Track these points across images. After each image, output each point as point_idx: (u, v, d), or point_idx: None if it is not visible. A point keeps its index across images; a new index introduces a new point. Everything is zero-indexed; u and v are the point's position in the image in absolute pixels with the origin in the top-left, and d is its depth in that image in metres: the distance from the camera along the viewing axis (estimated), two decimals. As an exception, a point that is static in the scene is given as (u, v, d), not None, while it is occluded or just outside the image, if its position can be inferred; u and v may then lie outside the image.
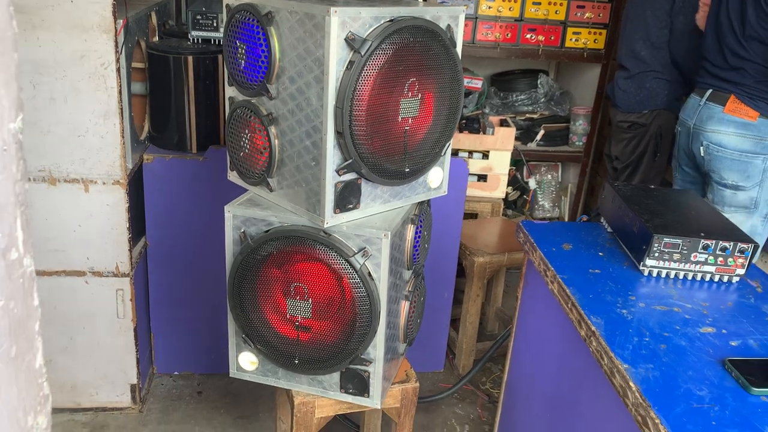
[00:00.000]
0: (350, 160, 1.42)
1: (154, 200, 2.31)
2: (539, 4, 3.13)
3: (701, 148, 2.27)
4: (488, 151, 3.01)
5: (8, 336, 0.45)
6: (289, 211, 1.55)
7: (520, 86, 3.51)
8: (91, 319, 2.19)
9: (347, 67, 1.35)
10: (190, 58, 2.19)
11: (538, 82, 3.52)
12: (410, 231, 1.65)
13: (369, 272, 1.50)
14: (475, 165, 3.02)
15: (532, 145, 3.43)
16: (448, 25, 1.51)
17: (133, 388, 2.31)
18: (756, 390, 1.17)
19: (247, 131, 1.57)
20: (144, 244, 2.36)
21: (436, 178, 1.67)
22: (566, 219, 3.57)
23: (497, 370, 2.74)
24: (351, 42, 1.34)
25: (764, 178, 2.18)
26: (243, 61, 1.52)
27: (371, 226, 1.50)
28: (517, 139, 3.47)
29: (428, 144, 1.57)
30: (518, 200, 3.59)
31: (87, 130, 1.97)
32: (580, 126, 3.38)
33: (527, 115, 3.46)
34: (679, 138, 2.43)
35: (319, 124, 1.40)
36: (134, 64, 2.31)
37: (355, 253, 1.48)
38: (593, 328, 1.36)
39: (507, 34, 3.13)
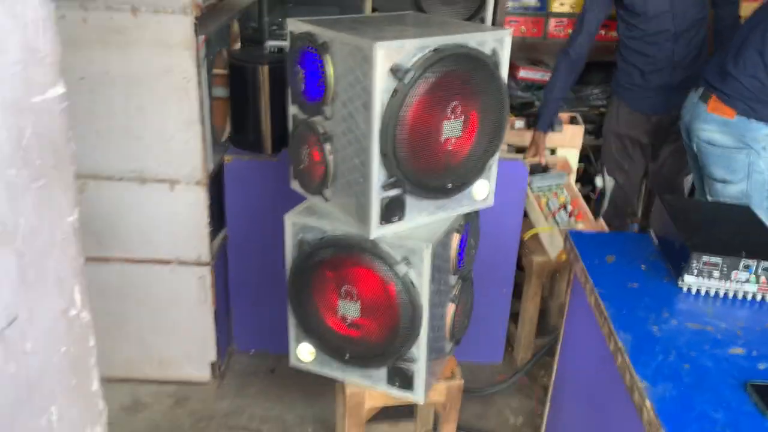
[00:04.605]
0: (394, 178, 1.55)
1: (233, 196, 2.53)
2: None
3: (693, 145, 2.44)
4: (556, 149, 3.04)
5: (69, 371, 0.62)
6: (341, 220, 1.69)
7: (594, 79, 3.47)
8: (176, 302, 2.45)
9: (392, 95, 1.47)
10: (265, 68, 2.36)
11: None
12: (455, 240, 1.76)
13: (411, 280, 1.62)
14: (543, 162, 3.05)
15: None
16: (494, 48, 1.59)
17: (212, 365, 2.56)
18: (773, 416, 1.21)
19: (306, 147, 1.72)
20: (224, 235, 2.59)
21: (482, 190, 1.76)
22: (639, 215, 3.52)
23: (556, 365, 2.81)
24: (395, 72, 1.45)
25: (751, 172, 2.31)
26: (303, 84, 1.66)
27: (415, 238, 1.62)
28: (590, 133, 3.45)
29: (472, 161, 1.66)
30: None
31: (172, 136, 2.19)
32: (655, 121, 3.31)
33: (601, 110, 3.43)
34: (681, 134, 2.58)
35: (366, 145, 1.53)
36: (217, 71, 2.51)
37: (399, 262, 1.61)
38: (620, 345, 1.42)
39: (579, 30, 3.11)
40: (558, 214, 2.70)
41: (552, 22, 3.11)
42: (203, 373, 2.57)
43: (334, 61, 1.56)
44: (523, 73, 3.59)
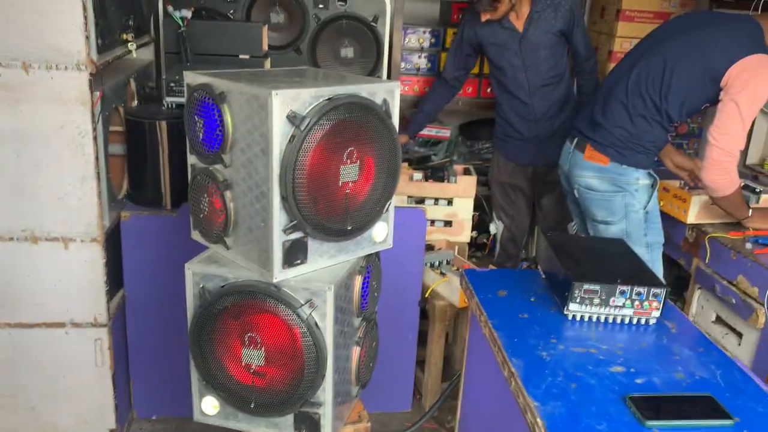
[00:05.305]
0: (295, 222, 1.59)
1: (131, 254, 2.47)
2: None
3: (575, 191, 2.62)
4: (452, 198, 3.19)
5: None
6: (243, 267, 1.71)
7: (484, 135, 3.70)
8: (71, 367, 2.33)
9: (289, 141, 1.53)
10: (163, 123, 2.37)
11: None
12: (358, 281, 1.81)
13: (315, 322, 1.65)
14: (441, 211, 3.19)
15: (497, 191, 3.60)
16: (384, 99, 1.69)
17: (111, 432, 2.43)
18: (649, 423, 1.32)
19: (206, 195, 1.74)
20: (122, 294, 2.51)
21: (381, 232, 1.84)
22: (530, 256, 3.73)
23: (463, 409, 2.86)
24: (292, 119, 1.52)
25: (628, 212, 2.52)
26: (201, 134, 1.70)
27: (317, 280, 1.66)
28: (484, 184, 3.65)
29: (370, 204, 1.74)
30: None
31: (67, 193, 2.14)
32: (541, 172, 3.56)
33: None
34: (561, 181, 2.78)
35: (266, 189, 1.57)
36: (113, 128, 2.49)
37: (302, 305, 1.64)
38: (513, 370, 1.50)
39: (468, 89, 3.35)
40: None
41: (442, 82, 3.32)
42: (101, 443, 2.44)
43: (231, 110, 1.61)
44: (418, 130, 3.78)
